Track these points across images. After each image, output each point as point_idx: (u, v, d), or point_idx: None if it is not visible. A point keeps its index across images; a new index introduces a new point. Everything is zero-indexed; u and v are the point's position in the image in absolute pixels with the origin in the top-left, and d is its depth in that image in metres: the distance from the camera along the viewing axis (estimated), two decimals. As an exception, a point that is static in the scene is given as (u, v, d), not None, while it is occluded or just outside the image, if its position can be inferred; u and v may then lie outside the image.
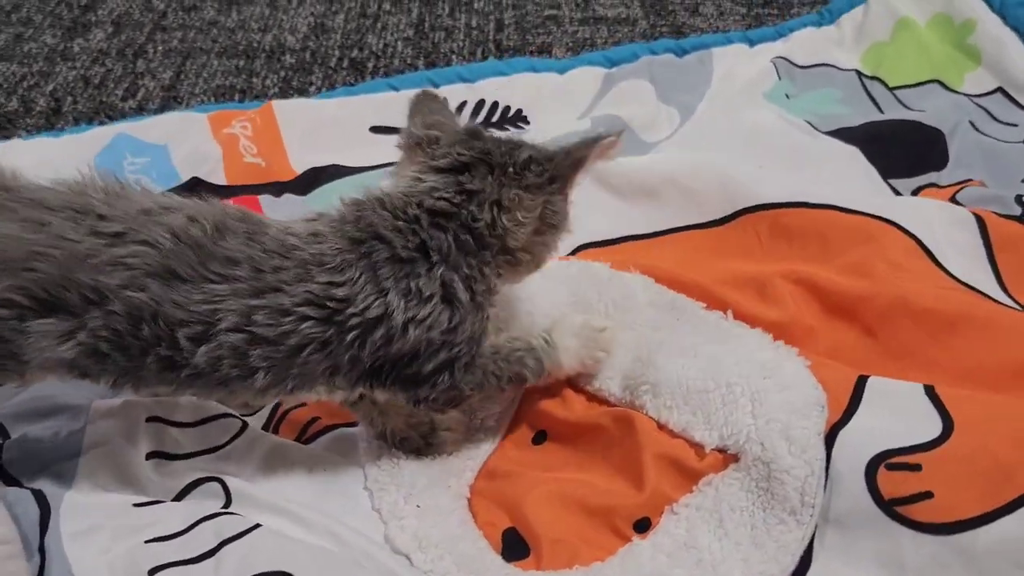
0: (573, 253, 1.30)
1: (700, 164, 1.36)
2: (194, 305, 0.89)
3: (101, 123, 1.70)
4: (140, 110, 1.78)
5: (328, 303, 0.90)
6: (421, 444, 1.05)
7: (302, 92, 1.82)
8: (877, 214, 1.24)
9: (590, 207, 1.33)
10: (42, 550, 0.92)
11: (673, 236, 1.32)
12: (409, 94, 1.57)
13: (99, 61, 1.93)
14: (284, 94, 1.81)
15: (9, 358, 0.91)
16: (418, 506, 0.99)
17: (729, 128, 1.52)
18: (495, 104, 1.64)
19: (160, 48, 1.98)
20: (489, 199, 0.95)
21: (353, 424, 1.09)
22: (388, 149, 1.10)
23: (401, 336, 0.92)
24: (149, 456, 1.04)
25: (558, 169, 0.97)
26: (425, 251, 0.93)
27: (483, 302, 0.96)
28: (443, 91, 1.63)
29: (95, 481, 1.02)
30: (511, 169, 0.96)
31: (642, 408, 1.04)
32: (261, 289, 0.89)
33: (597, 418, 1.05)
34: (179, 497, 1.01)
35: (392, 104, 1.59)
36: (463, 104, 1.63)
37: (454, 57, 1.93)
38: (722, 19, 2.07)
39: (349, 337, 0.91)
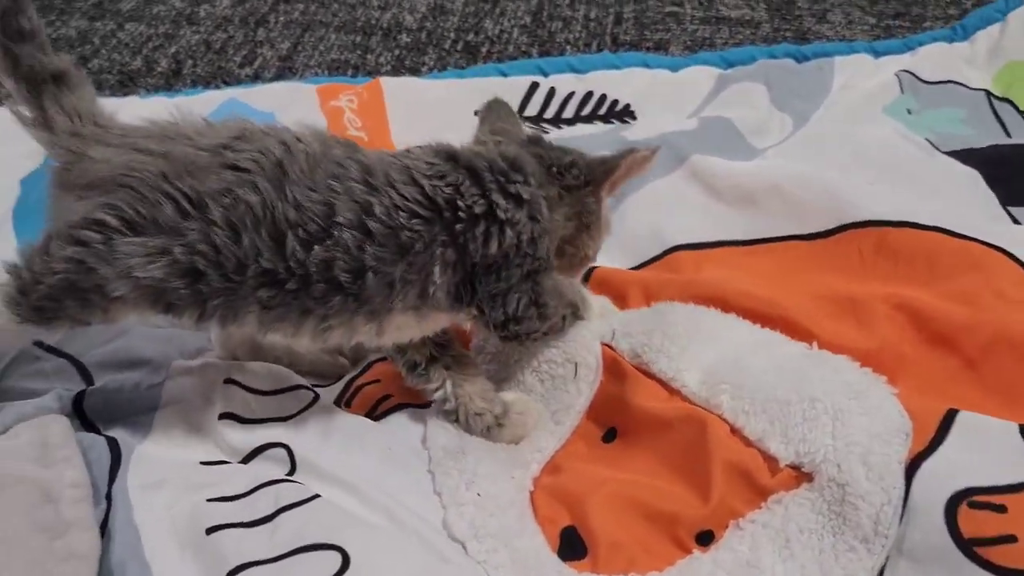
0: (666, 254, 1.27)
1: (807, 174, 1.31)
2: (309, 202, 0.90)
3: (216, 87, 1.73)
4: (255, 78, 1.81)
5: (437, 198, 0.93)
6: (492, 422, 1.04)
7: (414, 72, 1.82)
8: (990, 241, 1.18)
9: (690, 208, 1.31)
10: (109, 497, 0.94)
11: (772, 246, 1.28)
12: (518, 81, 1.61)
13: (222, 27, 1.97)
14: (396, 72, 1.82)
15: (94, 291, 0.91)
16: (479, 494, 0.97)
17: (843, 139, 1.46)
18: (603, 97, 1.61)
19: (281, 19, 2.01)
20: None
21: (424, 405, 1.08)
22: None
23: (499, 235, 0.95)
24: (222, 416, 1.05)
25: (592, 173, 1.03)
26: (521, 171, 0.98)
27: (552, 233, 1.01)
28: (553, 81, 1.62)
29: (168, 435, 1.04)
30: (555, 168, 1.02)
31: (718, 408, 1.00)
32: (375, 186, 0.92)
33: (670, 416, 1.02)
34: (246, 460, 1.01)
35: (499, 90, 1.57)
36: (571, 95, 1.61)
37: (568, 48, 1.91)
38: (850, 28, 2.00)
39: (455, 231, 0.94)
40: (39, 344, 1.12)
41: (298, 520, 0.90)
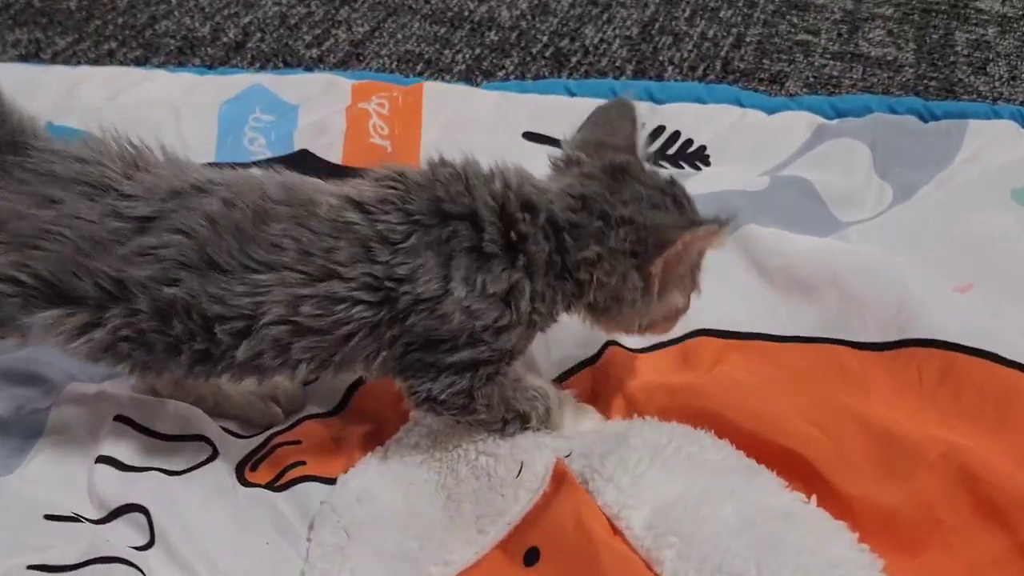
0: (688, 338, 1.06)
1: (877, 268, 1.07)
2: (235, 299, 0.81)
3: (275, 68, 1.61)
4: (319, 60, 1.67)
5: (387, 282, 0.82)
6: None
7: (488, 75, 1.64)
8: None
9: (730, 287, 1.10)
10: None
11: (815, 347, 1.05)
12: (585, 103, 1.41)
13: (304, 2, 1.84)
14: (468, 73, 1.65)
15: (10, 326, 0.84)
16: (348, 611, 0.80)
17: (947, 225, 1.19)
18: (676, 134, 1.39)
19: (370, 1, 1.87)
20: (580, 240, 0.85)
21: (332, 481, 0.91)
22: (537, 163, 0.93)
23: (447, 318, 0.82)
24: (101, 460, 0.91)
25: (641, 244, 0.85)
26: (511, 250, 0.84)
27: (538, 322, 0.88)
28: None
29: (38, 474, 0.91)
30: (603, 222, 0.85)
31: (659, 564, 0.79)
32: (311, 275, 0.81)
33: (604, 556, 0.81)
34: (107, 519, 0.87)
35: (560, 110, 1.39)
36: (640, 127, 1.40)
37: (670, 68, 1.69)
38: (1012, 85, 1.69)
39: (398, 315, 0.83)
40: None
41: (110, 617, 0.76)
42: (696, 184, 1.21)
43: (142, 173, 0.84)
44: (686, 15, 1.85)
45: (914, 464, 0.89)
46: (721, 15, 1.85)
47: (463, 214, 0.83)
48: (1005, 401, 0.94)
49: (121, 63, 1.63)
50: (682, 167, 1.35)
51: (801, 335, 1.06)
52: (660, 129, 1.39)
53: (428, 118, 1.36)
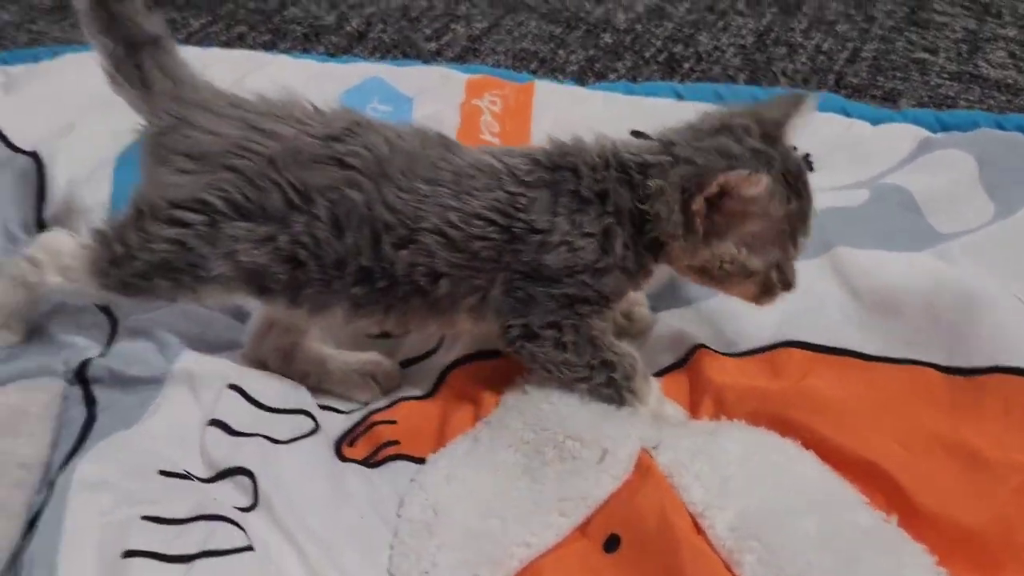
0: (777, 347, 1.08)
1: (970, 291, 1.06)
2: (401, 205, 0.93)
3: (394, 59, 1.67)
4: (437, 53, 1.73)
5: (510, 208, 0.93)
6: (625, 324, 1.09)
7: (600, 76, 1.68)
8: None
9: (819, 302, 1.11)
10: (53, 485, 0.88)
11: (902, 368, 1.05)
12: (692, 107, 1.42)
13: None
14: (581, 74, 1.68)
15: (187, 271, 0.95)
16: (430, 588, 0.85)
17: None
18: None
19: (489, -4, 1.92)
20: (651, 177, 0.93)
21: (423, 460, 0.96)
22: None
23: (553, 249, 0.93)
24: (212, 423, 0.97)
25: (688, 180, 0.91)
26: (603, 200, 0.94)
27: (631, 271, 0.96)
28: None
29: (151, 430, 0.97)
30: (670, 159, 0.93)
31: (739, 566, 0.82)
32: (458, 192, 0.93)
33: (685, 551, 0.84)
34: (216, 479, 0.93)
35: (667, 113, 1.41)
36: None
37: (783, 79, 1.69)
38: None
39: (516, 241, 0.94)
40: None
41: (212, 572, 0.81)
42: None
43: (323, 115, 0.98)
44: (802, 27, 1.85)
45: (998, 486, 0.90)
46: (838, 28, 1.84)
47: (569, 165, 0.95)
48: (1091, 437, 0.94)
49: (250, 47, 1.71)
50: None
51: (890, 356, 1.06)
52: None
53: (537, 116, 1.40)
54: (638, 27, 1.82)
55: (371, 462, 0.98)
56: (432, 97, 1.41)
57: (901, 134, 1.40)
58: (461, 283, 0.95)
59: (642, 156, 0.95)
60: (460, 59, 1.70)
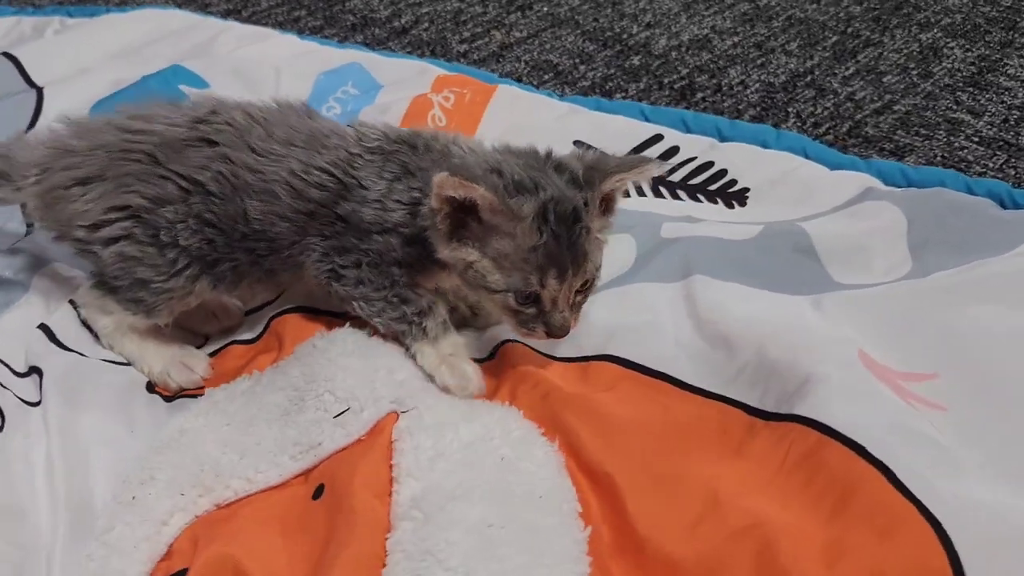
0: (596, 359, 1.09)
1: (809, 340, 1.04)
2: (261, 167, 1.02)
3: (429, 56, 1.75)
4: (463, 55, 1.80)
5: (347, 167, 1.03)
6: (468, 314, 1.14)
7: (608, 95, 1.70)
8: (925, 504, 0.87)
9: (662, 324, 1.11)
10: None
11: (711, 403, 1.04)
12: (646, 128, 1.44)
13: (484, 2, 1.98)
14: (590, 89, 1.71)
15: (155, 277, 1.05)
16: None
17: (948, 307, 1.10)
18: (722, 172, 1.39)
19: (543, 9, 1.97)
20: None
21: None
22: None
23: (369, 204, 1.02)
24: (40, 326, 1.13)
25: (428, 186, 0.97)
26: (422, 176, 1.01)
27: (431, 240, 1.00)
28: (684, 140, 1.43)
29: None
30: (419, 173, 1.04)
31: (394, 531, 0.88)
32: (309, 150, 1.03)
33: (350, 504, 0.90)
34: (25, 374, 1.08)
35: (622, 131, 1.43)
36: (690, 160, 1.41)
37: (793, 120, 1.65)
38: None
39: (346, 191, 1.02)
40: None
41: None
42: (702, 228, 1.22)
43: (176, 105, 1.09)
44: (847, 72, 1.79)
45: (716, 528, 0.89)
46: (884, 80, 1.78)
47: (410, 142, 1.05)
48: (847, 494, 0.90)
49: (300, 30, 1.84)
50: (715, 201, 1.35)
51: (706, 389, 1.05)
52: (708, 164, 1.40)
53: (490, 118, 1.45)
54: (673, 54, 1.83)
55: (167, 397, 1.08)
56: (400, 87, 1.49)
57: (848, 181, 1.35)
58: (300, 229, 1.04)
59: (464, 161, 1.00)
60: (481, 63, 1.77)
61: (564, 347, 1.13)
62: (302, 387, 1.01)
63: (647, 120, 1.48)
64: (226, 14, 1.90)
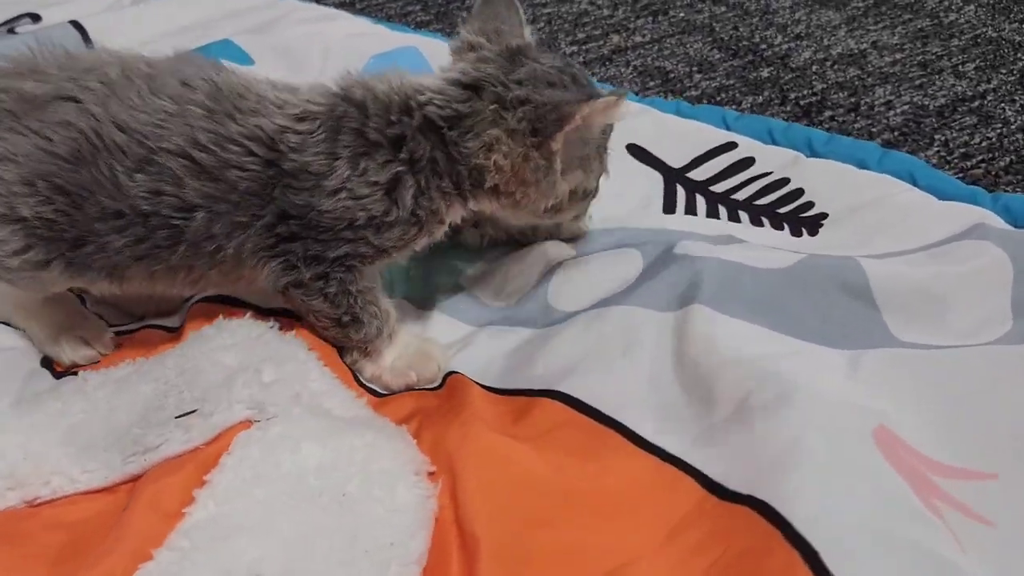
0: (544, 395, 0.87)
1: (813, 396, 0.79)
2: (136, 124, 0.84)
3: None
4: (569, 56, 1.61)
5: (279, 144, 0.85)
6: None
7: (723, 105, 1.45)
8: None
9: (642, 356, 0.89)
10: None
11: (666, 469, 0.81)
12: (724, 136, 1.20)
13: (612, 5, 1.79)
14: (697, 99, 1.48)
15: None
16: None
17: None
18: (798, 191, 1.13)
19: (678, 15, 1.74)
20: (474, 129, 0.86)
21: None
22: (640, 180, 1.15)
23: (330, 196, 0.85)
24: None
25: (540, 120, 0.85)
26: (396, 146, 0.86)
27: (423, 220, 0.89)
28: (762, 152, 1.18)
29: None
30: (498, 105, 0.86)
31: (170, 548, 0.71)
32: (213, 112, 0.85)
33: (136, 513, 0.74)
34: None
35: (698, 139, 1.21)
36: (765, 175, 1.15)
37: (934, 149, 1.35)
38: None
39: (286, 179, 0.85)
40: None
41: None
42: (726, 251, 0.98)
43: (71, 60, 0.89)
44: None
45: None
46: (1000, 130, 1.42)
47: (355, 100, 0.86)
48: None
49: (408, 24, 1.72)
50: (781, 227, 1.09)
51: (662, 448, 0.82)
52: (782, 181, 1.14)
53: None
54: (812, 68, 1.55)
55: (59, 373, 0.96)
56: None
57: (954, 215, 1.05)
58: (220, 218, 0.85)
59: (451, 107, 0.86)
60: (586, 65, 1.58)
61: (515, 376, 0.92)
62: (171, 380, 0.86)
63: (727, 127, 1.23)
64: (339, 6, 1.81)
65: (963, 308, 0.92)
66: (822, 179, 1.13)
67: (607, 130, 0.94)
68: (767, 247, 0.99)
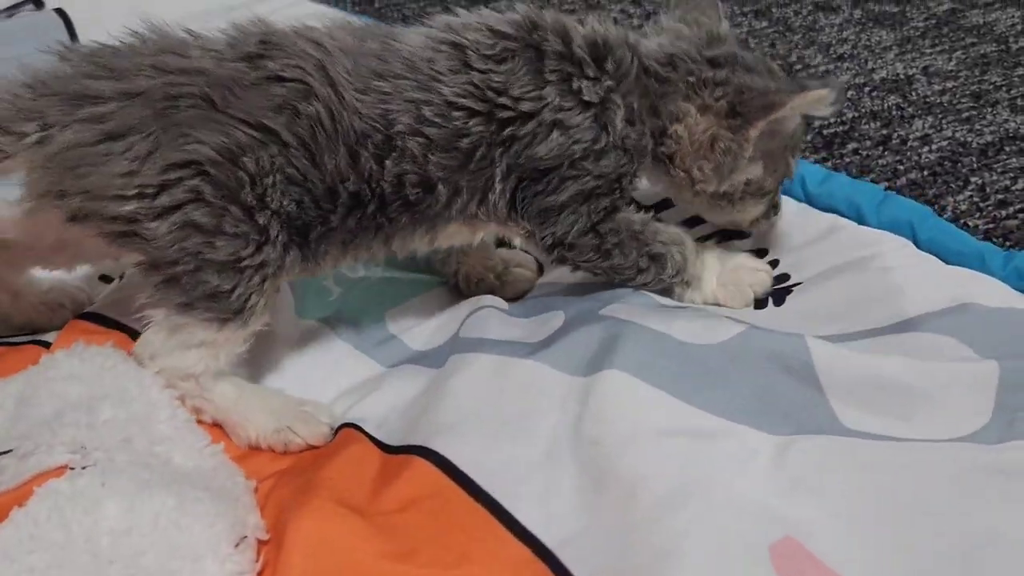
0: (414, 452, 0.77)
1: (712, 489, 0.69)
2: (368, 109, 0.80)
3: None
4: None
5: (488, 92, 0.82)
6: (496, 284, 0.99)
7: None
8: None
9: (539, 421, 0.78)
10: None
11: (530, 562, 0.69)
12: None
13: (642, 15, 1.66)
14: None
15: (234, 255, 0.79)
16: None
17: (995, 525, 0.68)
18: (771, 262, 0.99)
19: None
20: (668, 95, 0.87)
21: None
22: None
23: (544, 137, 0.83)
24: None
25: (745, 104, 0.85)
26: (601, 64, 0.85)
27: (632, 152, 0.87)
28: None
29: None
30: (692, 79, 0.87)
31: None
32: (420, 82, 0.81)
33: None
34: None
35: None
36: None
37: (966, 193, 1.18)
38: None
39: (504, 133, 0.83)
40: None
41: None
42: (658, 319, 0.85)
43: (226, 34, 0.83)
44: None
45: None
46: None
47: (552, 27, 0.84)
48: None
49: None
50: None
51: (538, 537, 0.70)
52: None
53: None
54: (849, 93, 1.40)
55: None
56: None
57: (952, 283, 0.90)
58: (457, 189, 0.84)
59: (656, 64, 0.88)
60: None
61: (405, 426, 0.81)
62: (9, 409, 0.78)
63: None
64: (358, 5, 1.73)
65: (940, 395, 0.78)
66: (795, 236, 1.00)
67: (797, 131, 0.91)
68: (709, 315, 0.86)
